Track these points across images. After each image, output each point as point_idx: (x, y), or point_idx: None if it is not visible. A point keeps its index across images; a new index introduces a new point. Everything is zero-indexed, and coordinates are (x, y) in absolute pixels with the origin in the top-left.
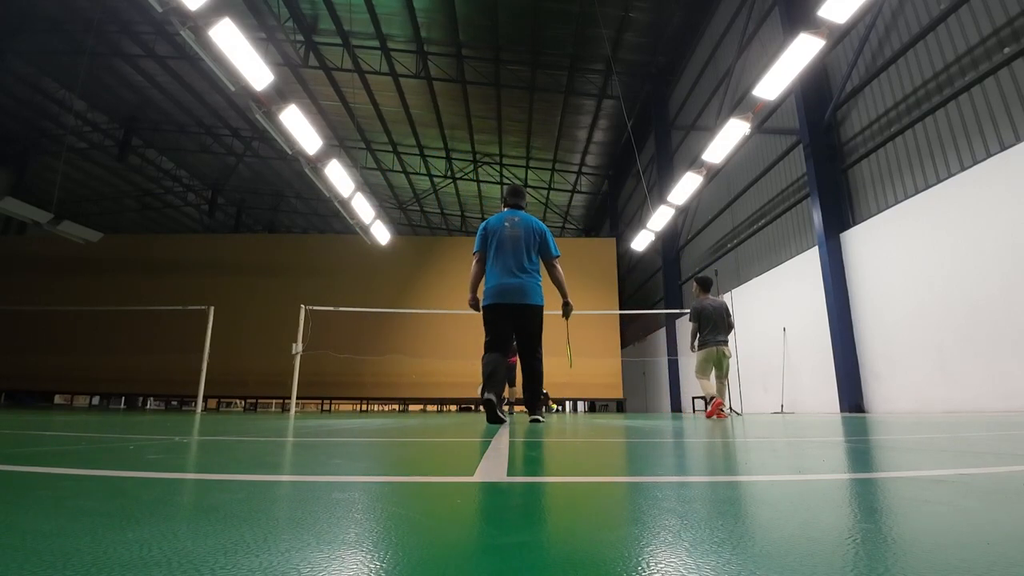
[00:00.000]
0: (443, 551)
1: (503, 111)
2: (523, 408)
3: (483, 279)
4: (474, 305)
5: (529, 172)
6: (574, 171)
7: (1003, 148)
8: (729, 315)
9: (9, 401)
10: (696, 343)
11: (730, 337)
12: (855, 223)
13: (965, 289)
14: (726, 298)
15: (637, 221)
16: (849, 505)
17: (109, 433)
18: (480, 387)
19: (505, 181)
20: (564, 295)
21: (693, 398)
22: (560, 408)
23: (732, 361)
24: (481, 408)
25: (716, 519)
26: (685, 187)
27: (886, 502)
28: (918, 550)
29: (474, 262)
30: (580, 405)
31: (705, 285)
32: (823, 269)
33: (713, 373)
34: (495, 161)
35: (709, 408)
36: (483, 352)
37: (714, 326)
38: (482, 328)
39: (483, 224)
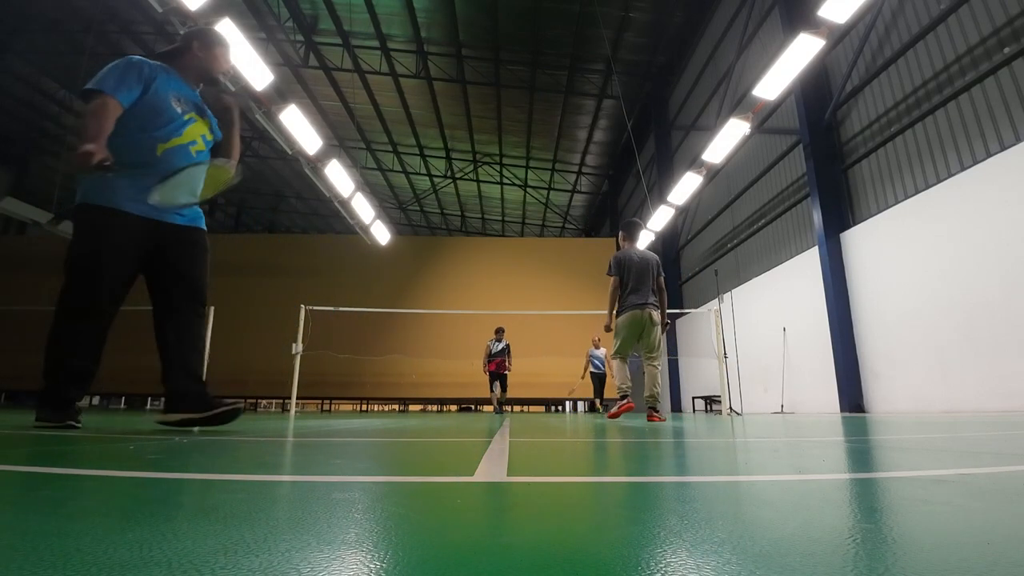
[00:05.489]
0: (443, 551)
1: (503, 111)
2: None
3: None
4: None
5: (529, 172)
6: (574, 171)
7: (1003, 148)
8: (660, 274)
9: (9, 401)
10: (614, 312)
11: (729, 336)
12: (855, 223)
13: (965, 289)
14: (726, 298)
15: None
16: (849, 505)
17: (109, 433)
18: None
19: (505, 181)
20: None
21: (693, 398)
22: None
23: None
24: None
25: (716, 519)
26: (685, 187)
27: (886, 502)
28: (918, 550)
29: None
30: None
31: (631, 232)
32: (823, 269)
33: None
34: (495, 161)
35: (617, 407)
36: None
37: (638, 282)
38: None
39: None
